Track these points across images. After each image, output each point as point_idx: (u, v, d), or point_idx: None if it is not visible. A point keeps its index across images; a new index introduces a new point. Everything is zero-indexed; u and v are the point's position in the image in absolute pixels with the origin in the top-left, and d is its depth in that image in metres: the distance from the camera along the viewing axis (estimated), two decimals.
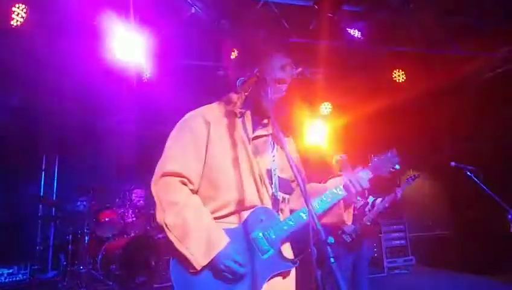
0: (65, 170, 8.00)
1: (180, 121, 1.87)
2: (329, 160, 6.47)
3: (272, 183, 1.81)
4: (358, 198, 4.56)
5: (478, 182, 4.24)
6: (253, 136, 1.85)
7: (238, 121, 1.86)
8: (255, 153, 1.82)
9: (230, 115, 1.87)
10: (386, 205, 4.54)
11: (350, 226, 4.29)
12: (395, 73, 5.60)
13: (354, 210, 4.34)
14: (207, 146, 1.77)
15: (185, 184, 1.73)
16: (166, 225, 1.65)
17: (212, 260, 1.60)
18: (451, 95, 6.26)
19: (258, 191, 1.76)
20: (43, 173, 7.99)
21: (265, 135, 1.90)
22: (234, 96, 1.91)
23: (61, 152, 8.16)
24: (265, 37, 1.84)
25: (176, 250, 1.63)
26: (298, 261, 1.79)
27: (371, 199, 4.70)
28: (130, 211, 6.34)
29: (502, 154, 6.79)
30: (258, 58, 1.79)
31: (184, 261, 1.63)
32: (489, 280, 6.56)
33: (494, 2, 4.73)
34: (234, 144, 1.80)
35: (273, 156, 1.87)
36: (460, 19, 4.92)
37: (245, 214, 1.73)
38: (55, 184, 8.01)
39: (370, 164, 1.99)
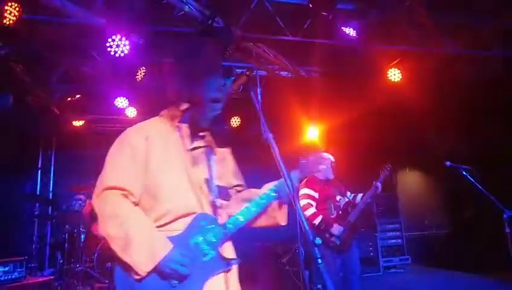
0: (61, 169, 8.00)
1: (120, 136, 1.93)
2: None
3: (211, 191, 1.90)
4: (339, 198, 4.49)
5: (474, 181, 4.25)
6: (190, 147, 1.94)
7: (176, 134, 1.95)
8: (193, 163, 1.92)
9: (169, 129, 1.96)
10: (368, 200, 4.47)
11: (338, 228, 4.25)
12: (391, 72, 5.59)
13: (339, 210, 4.37)
14: (146, 159, 1.84)
15: (126, 197, 1.80)
16: (109, 236, 1.70)
17: (157, 265, 1.66)
18: (448, 94, 6.27)
19: (197, 198, 1.85)
20: (39, 171, 7.99)
21: (202, 147, 2.00)
22: (173, 112, 1.98)
23: (57, 150, 8.17)
24: (201, 59, 1.92)
25: (119, 259, 1.68)
26: (238, 259, 1.91)
27: (349, 195, 4.66)
28: None
29: (498, 153, 6.81)
30: (193, 80, 1.88)
31: (128, 269, 1.68)
32: (485, 279, 6.59)
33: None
34: (172, 156, 1.89)
35: (211, 165, 1.97)
36: (456, 15, 4.92)
37: (186, 221, 1.81)
38: (51, 183, 8.02)
39: (299, 166, 2.09)
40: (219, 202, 1.93)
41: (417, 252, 8.41)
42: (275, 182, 2.02)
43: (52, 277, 5.44)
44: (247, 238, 2.21)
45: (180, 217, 1.80)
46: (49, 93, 6.44)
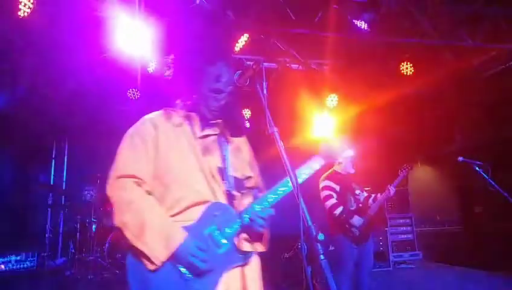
0: (74, 159, 8.12)
1: (130, 128, 1.93)
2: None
3: (225, 180, 1.86)
4: (357, 192, 4.53)
5: (486, 177, 4.18)
6: (200, 135, 1.92)
7: (185, 122, 1.93)
8: (204, 151, 1.89)
9: (178, 118, 1.94)
10: (382, 201, 4.52)
11: (359, 219, 4.34)
12: (403, 65, 5.51)
13: (359, 203, 4.41)
14: (156, 147, 1.83)
15: (139, 185, 1.78)
16: (124, 224, 1.68)
17: (173, 253, 1.62)
18: (461, 87, 6.14)
19: (209, 187, 1.81)
20: (53, 161, 8.12)
21: (213, 134, 1.96)
22: (180, 103, 1.99)
23: (70, 141, 8.28)
24: (200, 48, 1.92)
25: (134, 248, 1.64)
26: (253, 252, 1.83)
27: (362, 195, 4.66)
28: None
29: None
30: (192, 71, 1.89)
31: (142, 259, 1.64)
32: (497, 276, 6.49)
33: None
34: (182, 144, 1.87)
35: (224, 155, 1.93)
36: (470, 7, 4.80)
37: (199, 210, 1.77)
38: (64, 173, 8.14)
39: (320, 152, 2.05)
40: (234, 192, 1.88)
41: (428, 248, 8.32)
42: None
43: (63, 266, 5.55)
44: None
45: (191, 206, 1.77)
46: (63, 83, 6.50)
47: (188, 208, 1.76)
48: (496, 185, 4.06)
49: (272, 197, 1.86)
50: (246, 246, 1.83)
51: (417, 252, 8.05)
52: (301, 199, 1.49)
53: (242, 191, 1.97)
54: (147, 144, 1.83)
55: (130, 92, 6.44)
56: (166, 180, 1.79)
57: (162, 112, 1.98)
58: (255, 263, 1.87)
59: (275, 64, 5.96)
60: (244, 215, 1.80)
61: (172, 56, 2.05)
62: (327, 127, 7.59)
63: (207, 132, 1.93)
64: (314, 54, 5.92)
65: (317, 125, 7.53)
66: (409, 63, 5.49)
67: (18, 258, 4.37)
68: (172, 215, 1.75)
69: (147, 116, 1.95)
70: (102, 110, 7.56)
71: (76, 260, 5.85)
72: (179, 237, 1.65)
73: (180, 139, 1.87)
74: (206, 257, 1.65)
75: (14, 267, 4.32)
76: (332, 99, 6.60)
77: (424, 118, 7.48)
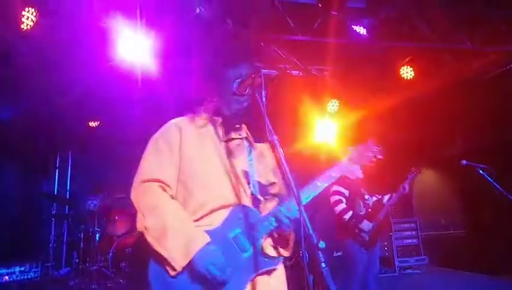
0: (78, 169, 8.15)
1: (156, 133, 1.94)
2: (338, 157, 6.44)
3: (250, 183, 1.84)
4: (366, 197, 4.57)
5: (491, 180, 4.16)
6: (225, 138, 1.91)
7: (210, 126, 1.93)
8: (229, 154, 1.88)
9: (202, 122, 1.94)
10: (396, 199, 4.61)
11: (368, 224, 4.38)
12: (403, 70, 5.52)
13: (368, 208, 4.43)
14: (180, 151, 1.83)
15: (164, 189, 1.78)
16: (146, 228, 1.67)
17: (191, 260, 1.59)
18: (462, 91, 6.14)
19: (234, 190, 1.79)
20: (57, 171, 8.15)
21: (238, 138, 1.95)
22: (202, 108, 1.98)
23: (74, 150, 8.31)
24: (219, 54, 1.94)
25: (155, 252, 1.63)
26: (282, 258, 1.79)
27: (371, 199, 4.68)
28: None
29: None
30: (212, 75, 1.89)
31: (163, 264, 1.63)
32: (504, 281, 6.42)
33: None
34: (207, 147, 1.87)
35: (250, 159, 1.92)
36: (469, 10, 4.82)
37: (223, 214, 1.74)
38: (68, 182, 8.17)
39: (348, 155, 2.02)
40: (259, 196, 1.85)
41: (434, 253, 8.25)
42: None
43: (67, 277, 5.55)
44: None
45: (216, 210, 1.75)
46: (67, 94, 6.56)
47: (212, 211, 1.74)
48: (500, 188, 4.04)
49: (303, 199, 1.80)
50: (272, 251, 1.80)
51: (423, 257, 7.99)
52: (302, 207, 1.47)
53: (266, 197, 1.93)
54: (171, 147, 1.83)
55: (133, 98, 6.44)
56: (191, 184, 1.78)
57: (185, 117, 1.98)
58: (280, 271, 1.82)
59: (275, 71, 5.99)
60: (271, 218, 1.76)
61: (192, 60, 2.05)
62: (329, 133, 7.61)
63: (232, 135, 1.93)
64: (314, 60, 5.95)
65: (318, 130, 7.54)
66: (409, 67, 5.50)
67: (22, 269, 4.37)
68: (197, 220, 1.74)
69: (172, 121, 1.95)
70: (106, 120, 7.61)
71: (80, 270, 5.84)
72: (199, 243, 1.62)
73: (204, 142, 1.87)
74: (225, 265, 1.60)
75: (18, 278, 4.32)
76: (333, 104, 6.61)
77: (426, 121, 7.46)
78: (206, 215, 1.74)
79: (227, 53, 1.94)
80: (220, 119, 1.93)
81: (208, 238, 1.65)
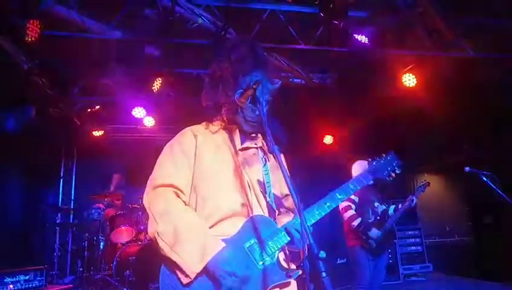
0: (82, 178, 8.21)
1: (172, 139, 1.93)
2: (342, 164, 6.46)
3: (266, 193, 1.82)
4: (376, 204, 4.56)
5: (494, 187, 4.15)
6: (241, 147, 1.89)
7: (225, 134, 1.91)
8: (245, 163, 1.85)
9: (218, 130, 1.92)
10: (402, 211, 4.60)
11: (376, 232, 4.39)
12: (405, 77, 5.54)
13: (377, 216, 4.42)
14: (195, 157, 1.81)
15: (178, 195, 1.75)
16: (158, 234, 1.62)
17: (206, 265, 1.54)
18: (465, 98, 6.14)
19: (247, 199, 1.76)
20: (61, 180, 8.21)
21: (254, 147, 1.93)
22: (218, 116, 1.96)
23: (78, 160, 8.38)
24: (230, 62, 1.86)
25: (167, 259, 1.59)
26: (299, 272, 1.73)
27: (380, 207, 4.68)
28: (144, 218, 6.44)
29: None
30: (225, 83, 1.84)
31: (176, 271, 1.57)
32: (509, 287, 6.35)
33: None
34: (222, 155, 1.84)
35: (266, 169, 1.89)
36: (471, 18, 4.85)
37: (236, 223, 1.71)
38: (72, 191, 8.22)
39: (368, 168, 1.97)
40: (276, 206, 1.82)
41: (439, 260, 8.19)
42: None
43: (71, 285, 5.56)
44: None
45: (228, 218, 1.71)
46: (70, 104, 6.64)
47: (224, 219, 1.71)
48: (503, 195, 4.03)
49: (317, 211, 1.80)
50: (289, 264, 1.77)
51: (427, 264, 7.93)
52: (303, 216, 1.46)
53: (280, 209, 1.92)
54: (186, 153, 1.81)
55: (135, 111, 6.53)
56: (205, 191, 1.76)
57: (201, 124, 1.97)
58: (293, 285, 1.75)
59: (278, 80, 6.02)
60: (290, 229, 1.71)
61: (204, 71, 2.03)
62: (333, 140, 7.64)
63: (247, 144, 1.91)
64: (317, 68, 5.99)
65: (322, 138, 7.57)
66: (411, 74, 5.52)
67: (27, 277, 4.39)
68: (210, 227, 1.70)
69: (187, 128, 1.94)
70: (110, 129, 7.68)
71: (85, 278, 5.87)
72: (215, 248, 1.57)
73: (220, 150, 1.85)
74: (238, 273, 1.56)
75: (23, 286, 4.33)
76: (336, 112, 6.63)
77: (431, 128, 7.46)
78: (219, 222, 1.71)
79: (241, 60, 1.86)
80: (235, 128, 1.91)
81: (223, 244, 1.61)
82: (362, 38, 4.57)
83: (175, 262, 1.56)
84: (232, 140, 1.89)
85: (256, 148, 1.95)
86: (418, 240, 8.12)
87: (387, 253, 4.64)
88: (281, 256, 1.74)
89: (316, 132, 7.55)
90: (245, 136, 1.93)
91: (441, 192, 9.28)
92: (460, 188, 8.60)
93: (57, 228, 7.52)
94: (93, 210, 6.26)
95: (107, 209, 6.34)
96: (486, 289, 6.61)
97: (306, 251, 1.39)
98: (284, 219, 1.86)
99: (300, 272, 1.72)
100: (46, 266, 4.81)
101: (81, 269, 6.17)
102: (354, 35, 4.55)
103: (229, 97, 1.83)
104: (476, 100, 6.24)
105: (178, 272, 1.57)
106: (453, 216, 8.91)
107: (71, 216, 7.60)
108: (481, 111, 6.59)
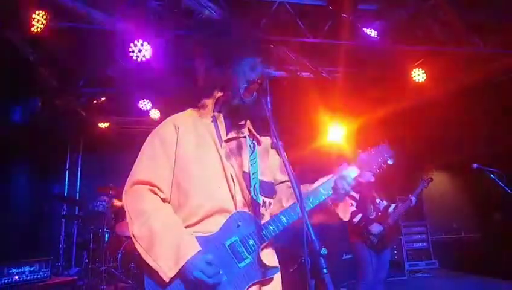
0: (87, 170, 8.25)
1: (152, 131, 1.84)
2: (348, 158, 6.40)
3: (251, 186, 1.73)
4: (377, 201, 4.56)
5: (502, 184, 4.09)
6: (226, 138, 1.80)
7: (210, 124, 1.82)
8: (228, 155, 1.77)
9: (202, 119, 1.83)
10: (402, 211, 4.58)
11: (378, 227, 4.38)
12: (415, 72, 5.46)
13: (379, 212, 4.39)
14: (176, 150, 1.73)
15: (155, 193, 1.69)
16: (134, 237, 1.60)
17: (180, 270, 1.51)
18: (474, 94, 6.05)
19: (231, 194, 1.70)
20: (67, 172, 8.26)
21: (240, 137, 1.85)
22: (206, 101, 1.87)
23: (84, 152, 8.42)
24: (232, 38, 1.79)
25: (144, 262, 1.57)
26: (279, 268, 1.71)
27: (382, 204, 4.66)
28: None
29: None
30: (223, 61, 1.77)
31: (154, 274, 1.55)
32: None
33: None
34: (204, 147, 1.76)
35: (253, 158, 1.80)
36: (483, 13, 4.75)
37: (219, 220, 1.66)
38: (78, 183, 8.26)
39: (357, 160, 1.86)
40: (261, 199, 1.74)
41: (445, 257, 8.15)
42: (328, 177, 1.81)
43: (76, 277, 5.60)
44: None
45: (211, 215, 1.65)
46: (76, 96, 6.65)
47: (207, 216, 1.66)
48: (510, 192, 3.97)
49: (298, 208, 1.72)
50: (269, 261, 1.72)
51: (433, 261, 7.91)
52: (305, 213, 1.43)
53: (269, 197, 1.83)
54: (166, 148, 1.73)
55: (141, 103, 6.54)
56: (186, 187, 1.69)
57: (185, 112, 1.89)
58: (277, 281, 1.73)
59: (285, 73, 5.98)
60: (270, 227, 1.68)
61: (196, 46, 1.93)
62: (339, 134, 7.57)
63: (233, 134, 1.83)
64: (325, 62, 5.92)
65: (329, 132, 7.51)
66: (421, 69, 5.44)
67: (32, 268, 4.41)
68: (191, 225, 1.65)
69: (170, 117, 1.86)
70: (115, 121, 7.69)
71: (90, 270, 5.90)
72: (189, 252, 1.53)
73: (203, 142, 1.76)
74: (217, 271, 1.54)
75: (28, 277, 4.36)
76: (344, 106, 6.56)
77: (438, 124, 7.37)
78: (202, 220, 1.66)
79: (238, 38, 1.80)
80: (221, 116, 1.82)
81: (198, 247, 1.56)
82: (371, 32, 4.49)
83: (151, 266, 1.54)
84: (217, 130, 1.80)
85: (244, 136, 1.85)
86: (424, 236, 8.09)
87: (390, 249, 4.63)
88: (263, 253, 1.69)
89: (322, 125, 7.48)
90: (231, 124, 1.84)
91: (448, 188, 9.19)
92: (468, 185, 8.50)
93: (63, 219, 7.57)
94: (98, 202, 6.28)
95: (112, 202, 6.35)
96: (493, 287, 6.54)
97: (306, 247, 1.36)
98: (272, 209, 1.82)
99: (279, 268, 1.71)
100: (51, 257, 4.83)
101: (86, 261, 6.21)
102: (363, 29, 4.47)
103: (230, 77, 1.76)
104: (484, 96, 6.16)
105: (155, 275, 1.55)
106: (460, 213, 8.82)
107: (77, 208, 7.63)
108: (490, 107, 6.50)
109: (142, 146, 1.82)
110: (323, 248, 1.39)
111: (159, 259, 1.53)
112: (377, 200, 4.58)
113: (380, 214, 4.53)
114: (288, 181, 1.89)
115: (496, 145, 6.80)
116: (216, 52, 1.80)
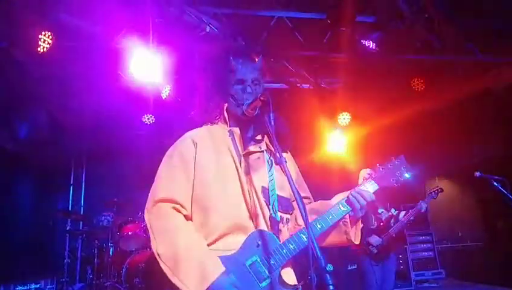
0: (92, 185, 8.25)
1: (170, 147, 1.86)
2: (350, 169, 6.42)
3: (270, 202, 1.73)
4: (380, 210, 4.56)
5: (505, 192, 4.08)
6: (244, 153, 1.81)
7: (228, 139, 1.84)
8: (247, 170, 1.77)
9: (219, 134, 1.86)
10: (411, 218, 4.59)
11: (376, 239, 4.41)
12: (414, 81, 5.51)
13: (380, 222, 4.40)
14: (195, 167, 1.74)
15: (178, 211, 1.70)
16: (158, 255, 1.61)
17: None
18: (475, 103, 6.07)
19: (250, 212, 1.70)
20: (71, 187, 8.27)
21: (258, 151, 1.85)
22: (221, 118, 1.92)
23: (88, 167, 8.44)
24: (223, 59, 1.89)
25: (170, 282, 1.56)
26: (300, 287, 1.71)
27: (393, 211, 4.69)
28: None
29: None
30: (222, 82, 1.86)
31: None
32: None
33: None
34: (223, 162, 1.77)
35: (271, 174, 1.81)
36: (479, 22, 4.80)
37: (239, 238, 1.66)
38: (82, 198, 8.27)
39: (375, 174, 1.85)
40: (279, 215, 1.73)
41: (452, 266, 8.07)
42: (346, 193, 1.82)
43: None
44: None
45: (231, 233, 1.66)
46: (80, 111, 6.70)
47: (226, 234, 1.66)
48: None
49: (319, 226, 1.72)
50: (290, 280, 1.70)
51: (439, 270, 7.80)
52: (310, 230, 1.44)
53: (289, 212, 1.83)
54: (186, 164, 1.74)
55: (145, 118, 6.57)
56: (205, 204, 1.69)
57: (202, 128, 1.91)
58: None
59: (286, 86, 6.03)
60: (290, 246, 1.66)
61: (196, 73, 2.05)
62: (340, 145, 7.57)
63: (251, 148, 1.83)
64: (324, 73, 5.97)
65: (330, 142, 7.52)
66: (420, 79, 5.48)
67: (38, 285, 4.42)
68: (212, 243, 1.66)
69: (188, 133, 1.87)
70: (118, 136, 7.71)
71: (94, 285, 5.87)
72: (213, 274, 1.52)
73: (221, 157, 1.77)
74: None
75: None
76: (344, 117, 6.58)
77: (443, 132, 7.37)
78: (221, 238, 1.66)
79: (222, 58, 1.91)
80: (237, 131, 1.84)
81: (222, 268, 1.56)
82: (370, 44, 4.54)
83: (177, 287, 1.55)
84: (235, 145, 1.82)
85: (261, 151, 1.86)
86: (429, 245, 8.00)
87: (393, 258, 4.62)
88: (283, 272, 1.68)
89: (324, 134, 7.49)
90: (249, 139, 1.87)
91: (452, 197, 9.15)
92: (472, 193, 8.47)
93: (67, 234, 7.56)
94: (103, 217, 6.27)
95: (116, 216, 6.35)
96: None
97: (312, 264, 1.37)
98: (290, 226, 1.83)
99: (300, 287, 1.70)
100: (56, 273, 4.83)
101: (90, 276, 6.19)
102: (362, 41, 4.53)
103: (224, 90, 1.86)
104: (486, 104, 6.17)
105: None
106: (465, 221, 8.77)
107: (81, 223, 7.63)
108: (491, 115, 6.52)
109: (145, 161, 1.87)
110: (328, 265, 1.40)
111: (185, 280, 1.53)
112: (380, 210, 4.59)
113: (381, 224, 4.52)
114: (305, 197, 1.92)
115: (500, 153, 6.80)
116: (212, 78, 1.93)
